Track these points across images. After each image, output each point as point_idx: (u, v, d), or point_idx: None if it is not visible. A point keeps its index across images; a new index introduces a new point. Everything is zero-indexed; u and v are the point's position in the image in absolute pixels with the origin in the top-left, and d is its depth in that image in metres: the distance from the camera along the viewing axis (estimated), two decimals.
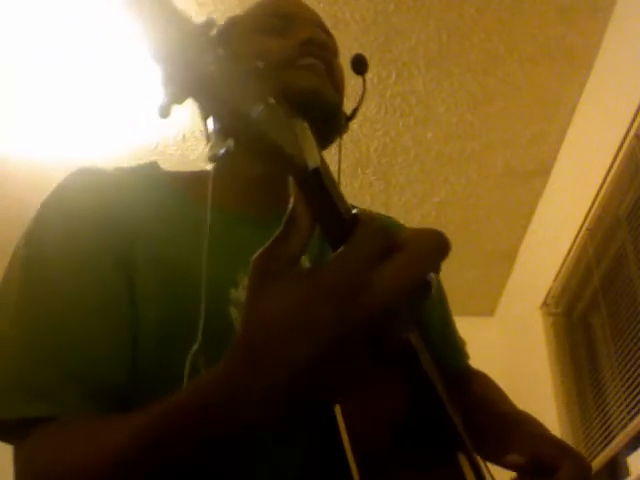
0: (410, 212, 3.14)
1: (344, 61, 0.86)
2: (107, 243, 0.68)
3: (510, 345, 3.63)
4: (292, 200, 0.46)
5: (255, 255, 0.45)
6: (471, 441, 0.64)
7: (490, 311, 3.87)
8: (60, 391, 0.60)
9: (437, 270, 0.45)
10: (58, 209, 0.70)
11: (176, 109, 0.46)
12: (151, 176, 0.79)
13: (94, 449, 0.53)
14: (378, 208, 2.95)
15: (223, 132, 0.47)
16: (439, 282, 0.92)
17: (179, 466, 0.48)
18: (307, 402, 0.45)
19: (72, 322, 0.63)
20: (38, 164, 2.82)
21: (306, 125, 0.47)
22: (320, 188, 0.46)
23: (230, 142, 0.47)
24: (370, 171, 2.99)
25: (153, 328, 0.65)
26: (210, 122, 0.48)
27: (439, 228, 0.46)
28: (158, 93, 0.45)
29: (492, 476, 0.66)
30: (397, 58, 2.49)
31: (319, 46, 0.79)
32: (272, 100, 0.46)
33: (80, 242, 0.67)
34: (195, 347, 0.62)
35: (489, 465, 0.69)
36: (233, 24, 0.83)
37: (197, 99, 0.45)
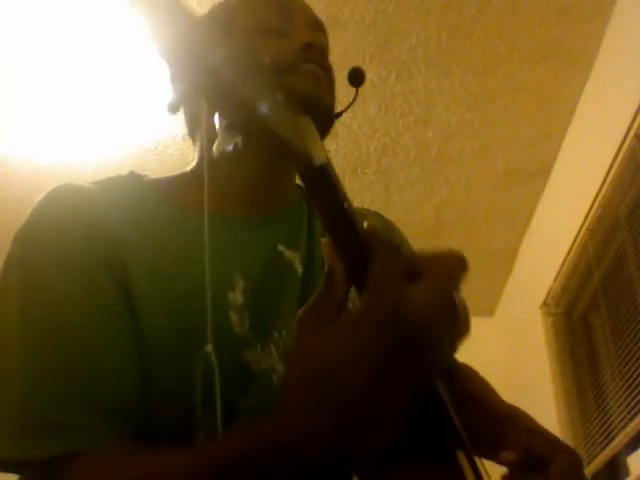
0: (410, 212, 3.14)
1: (340, 62, 0.86)
2: (99, 260, 0.67)
3: (510, 345, 3.63)
4: (329, 261, 0.51)
5: (301, 309, 0.51)
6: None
7: (490, 311, 3.86)
8: (83, 420, 0.60)
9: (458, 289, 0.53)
10: (46, 229, 0.68)
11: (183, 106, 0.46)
12: (133, 187, 0.77)
13: None
14: (378, 208, 2.92)
15: (231, 128, 0.48)
16: None
17: None
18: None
19: (78, 345, 0.63)
20: (38, 165, 2.82)
21: (310, 121, 0.49)
22: (325, 184, 0.49)
23: (238, 138, 0.48)
24: (370, 171, 2.99)
25: (158, 339, 0.66)
26: (217, 119, 0.49)
27: (439, 228, 0.50)
28: (167, 90, 0.45)
29: (488, 474, 0.66)
30: (397, 58, 2.49)
31: (318, 52, 0.81)
32: (280, 96, 0.48)
33: (77, 267, 0.66)
34: (209, 347, 0.63)
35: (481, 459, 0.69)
36: (232, 16, 0.82)
37: (206, 94, 0.46)
